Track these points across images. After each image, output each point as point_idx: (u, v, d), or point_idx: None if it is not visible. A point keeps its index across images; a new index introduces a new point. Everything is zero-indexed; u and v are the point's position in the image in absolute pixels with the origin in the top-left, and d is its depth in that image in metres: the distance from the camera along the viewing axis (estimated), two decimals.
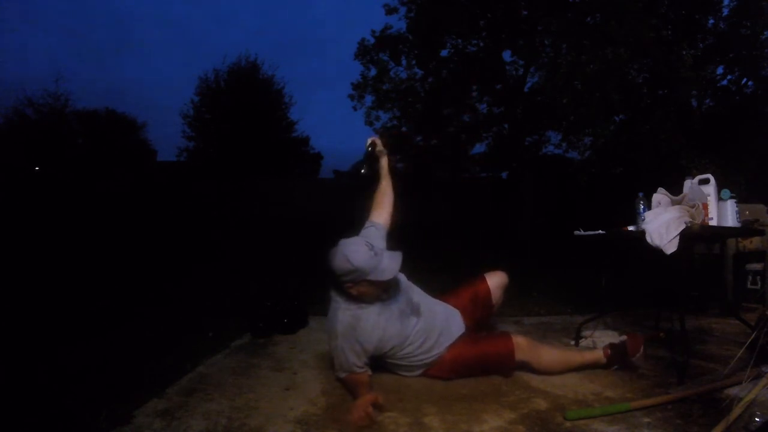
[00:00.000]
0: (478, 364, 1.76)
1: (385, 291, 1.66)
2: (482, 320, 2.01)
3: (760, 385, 1.49)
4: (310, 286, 2.37)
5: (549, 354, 1.80)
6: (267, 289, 3.00)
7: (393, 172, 1.99)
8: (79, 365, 1.86)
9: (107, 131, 17.37)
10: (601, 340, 2.17)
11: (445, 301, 1.93)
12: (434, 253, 5.61)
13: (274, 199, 11.96)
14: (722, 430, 1.29)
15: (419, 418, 1.43)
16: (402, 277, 1.78)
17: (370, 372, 1.65)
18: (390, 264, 1.60)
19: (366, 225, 1.87)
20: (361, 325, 1.60)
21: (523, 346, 1.74)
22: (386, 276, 1.59)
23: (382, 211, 1.91)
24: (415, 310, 1.73)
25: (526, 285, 4.09)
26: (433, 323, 1.75)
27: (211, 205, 11.25)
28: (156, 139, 21.32)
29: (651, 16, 7.43)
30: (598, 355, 1.84)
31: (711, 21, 10.20)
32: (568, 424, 1.39)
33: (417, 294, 1.81)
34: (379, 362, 1.74)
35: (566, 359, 1.82)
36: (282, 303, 2.55)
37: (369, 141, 1.97)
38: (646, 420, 1.41)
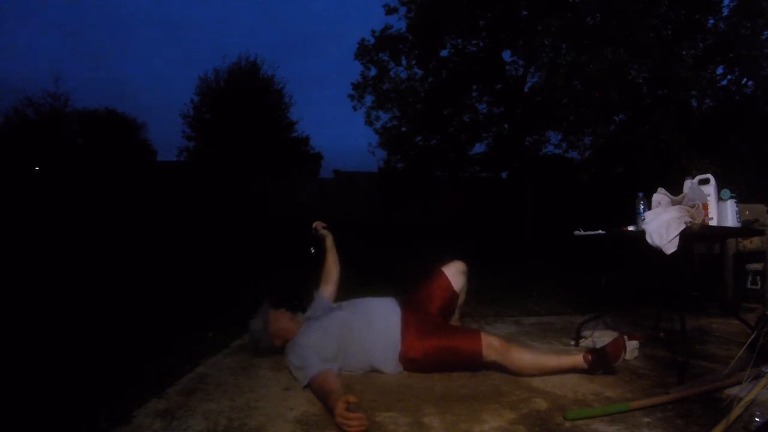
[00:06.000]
0: (447, 357, 1.81)
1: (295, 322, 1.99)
2: (450, 309, 2.17)
3: (760, 385, 1.49)
4: (309, 286, 2.38)
5: (521, 358, 1.80)
6: (267, 289, 3.00)
7: (335, 248, 2.34)
8: (79, 365, 1.86)
9: (107, 131, 17.36)
10: (601, 340, 2.17)
11: (409, 297, 2.09)
12: (432, 253, 5.61)
13: (274, 199, 11.96)
14: (722, 430, 1.29)
15: (419, 418, 1.43)
16: (320, 304, 2.12)
17: (331, 370, 1.67)
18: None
19: (315, 295, 2.22)
20: (295, 340, 1.87)
21: (495, 346, 1.77)
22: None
23: (327, 283, 2.26)
24: (335, 312, 1.96)
25: (526, 285, 4.10)
26: (369, 320, 1.89)
27: (210, 205, 11.25)
28: (156, 139, 21.29)
29: (651, 16, 7.43)
30: (577, 360, 1.81)
31: (711, 21, 10.21)
32: (568, 424, 1.39)
33: (343, 308, 2.00)
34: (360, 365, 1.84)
35: (540, 363, 1.82)
36: (282, 303, 2.54)
37: (313, 225, 2.36)
38: (646, 420, 1.41)
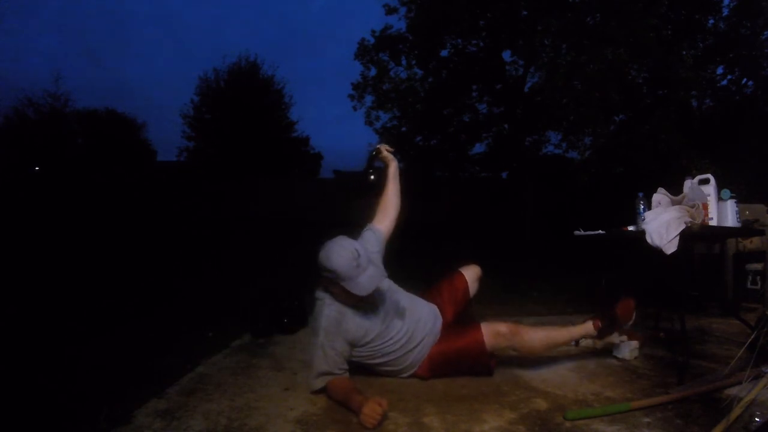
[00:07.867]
0: (455, 361, 1.75)
1: (360, 300, 1.62)
2: (462, 313, 2.00)
3: (760, 385, 1.49)
4: (309, 286, 2.37)
5: (532, 338, 1.76)
6: (267, 289, 3.00)
7: (400, 176, 1.97)
8: (79, 365, 1.86)
9: (107, 131, 17.34)
10: (601, 340, 2.17)
11: (425, 297, 1.93)
12: (434, 253, 5.61)
13: (274, 199, 11.95)
14: (722, 430, 1.29)
15: (419, 418, 1.43)
16: (386, 282, 1.77)
17: (348, 376, 1.65)
18: (367, 282, 1.56)
19: (366, 228, 1.88)
20: (347, 321, 1.63)
21: (502, 333, 1.71)
22: (358, 291, 1.55)
23: (384, 218, 1.91)
24: (399, 314, 1.73)
25: (526, 285, 4.09)
26: (418, 326, 1.75)
27: (210, 204, 11.25)
28: (156, 139, 21.21)
29: (651, 16, 7.43)
30: (587, 328, 1.85)
31: (711, 21, 10.20)
32: (568, 424, 1.39)
33: (403, 297, 1.80)
34: (367, 367, 1.75)
35: (551, 340, 1.81)
36: (282, 303, 2.55)
37: (374, 148, 1.96)
38: (646, 420, 1.41)
